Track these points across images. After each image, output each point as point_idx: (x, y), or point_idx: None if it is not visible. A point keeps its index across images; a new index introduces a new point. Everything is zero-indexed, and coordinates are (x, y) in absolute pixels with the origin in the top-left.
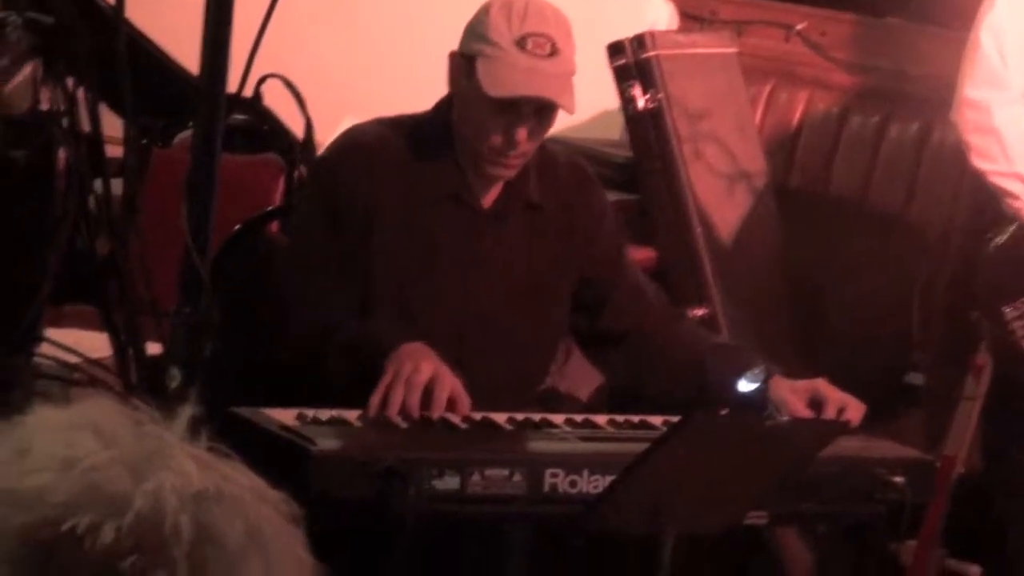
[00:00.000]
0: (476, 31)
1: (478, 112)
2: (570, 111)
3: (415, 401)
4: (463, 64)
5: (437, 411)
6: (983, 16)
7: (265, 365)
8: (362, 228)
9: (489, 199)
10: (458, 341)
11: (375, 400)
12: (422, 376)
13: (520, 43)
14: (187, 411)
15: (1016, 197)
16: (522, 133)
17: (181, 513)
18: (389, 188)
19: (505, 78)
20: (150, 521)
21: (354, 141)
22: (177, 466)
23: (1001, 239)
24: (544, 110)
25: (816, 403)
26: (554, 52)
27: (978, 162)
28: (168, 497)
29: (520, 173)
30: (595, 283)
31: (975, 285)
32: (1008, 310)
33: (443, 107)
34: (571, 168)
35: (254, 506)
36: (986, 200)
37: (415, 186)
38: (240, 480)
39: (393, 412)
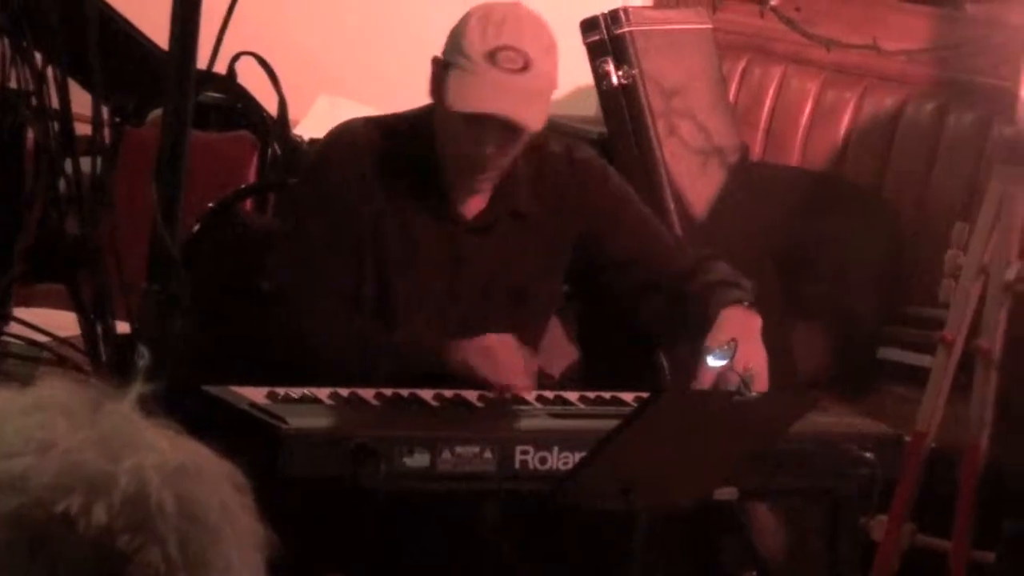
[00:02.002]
0: (454, 40)
1: (449, 123)
2: (532, 128)
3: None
4: (440, 72)
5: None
6: None
7: (236, 344)
8: (354, 229)
9: (474, 209)
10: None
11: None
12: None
13: (491, 57)
14: (137, 388)
15: None
16: (489, 148)
17: (164, 490)
18: (378, 192)
19: (470, 93)
20: (136, 499)
21: (349, 141)
22: (151, 444)
23: None
24: (514, 126)
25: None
26: (526, 67)
27: None
28: (149, 474)
29: (509, 182)
30: (607, 245)
31: None
32: None
33: (428, 112)
34: (569, 165)
35: (219, 481)
36: None
37: (400, 193)
38: (203, 453)
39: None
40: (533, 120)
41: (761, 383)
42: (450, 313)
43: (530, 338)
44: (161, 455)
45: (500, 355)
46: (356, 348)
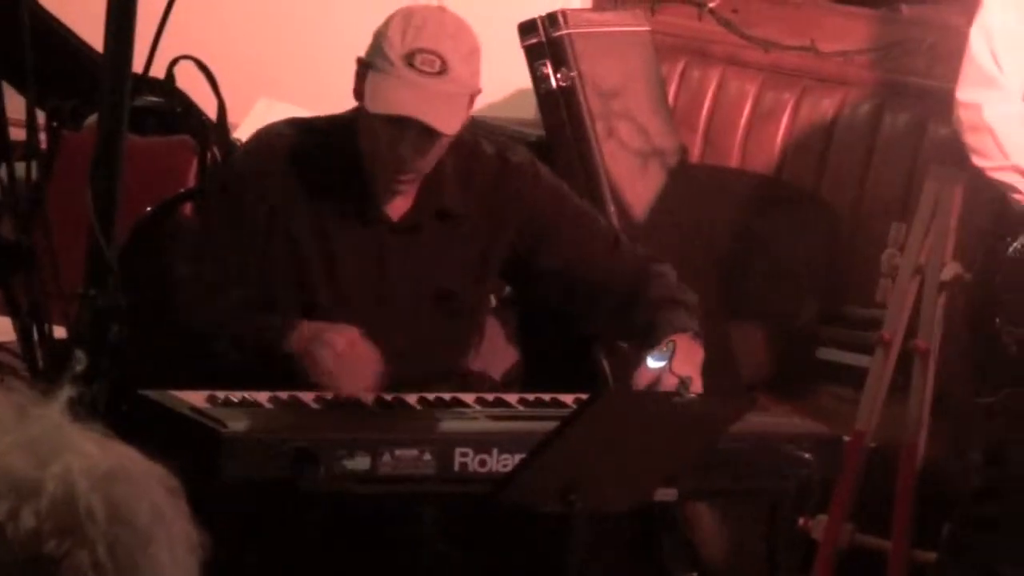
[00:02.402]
0: (376, 41)
1: (369, 124)
2: (447, 132)
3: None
4: (362, 72)
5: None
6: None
7: (174, 347)
8: (265, 235)
9: (399, 211)
10: None
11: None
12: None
13: (408, 59)
14: (67, 392)
15: (1018, 191)
16: (406, 150)
17: (92, 494)
18: (296, 198)
19: (385, 95)
20: (64, 504)
21: (266, 145)
22: (79, 448)
23: (1020, 243)
24: (431, 130)
25: None
26: (443, 70)
27: (977, 160)
28: (77, 479)
29: (434, 182)
30: (553, 255)
31: (996, 290)
32: None
33: (354, 114)
34: (499, 167)
35: (150, 485)
36: (1001, 205)
37: (323, 197)
38: (132, 456)
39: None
40: (447, 124)
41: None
42: (378, 315)
43: (462, 340)
44: (89, 459)
45: (345, 360)
46: (233, 337)
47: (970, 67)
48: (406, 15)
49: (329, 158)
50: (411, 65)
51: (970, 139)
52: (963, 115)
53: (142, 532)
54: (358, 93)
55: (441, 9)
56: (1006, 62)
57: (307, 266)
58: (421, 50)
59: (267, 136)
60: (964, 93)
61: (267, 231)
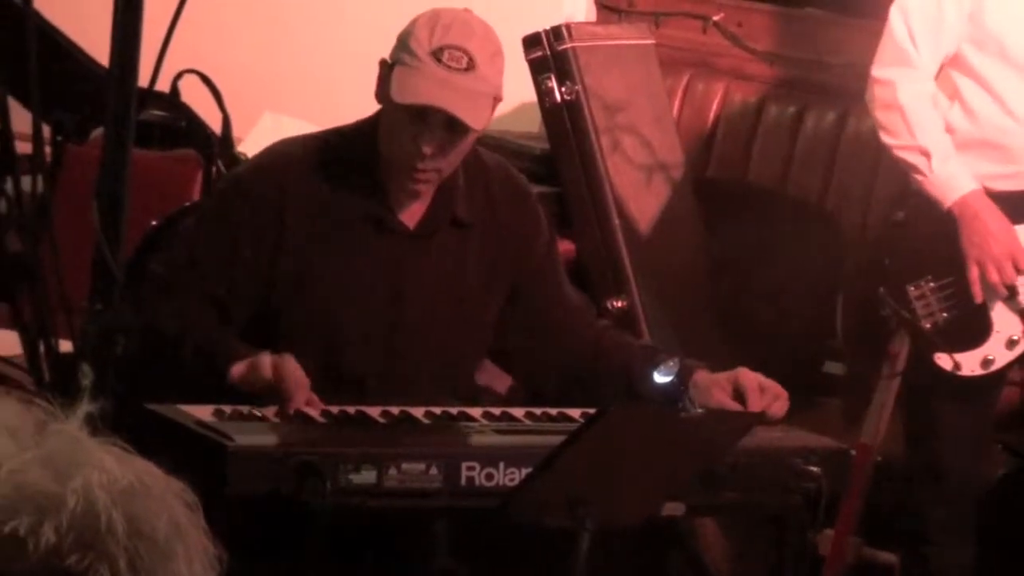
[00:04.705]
0: (402, 40)
1: (391, 121)
2: (473, 126)
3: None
4: (385, 72)
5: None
6: None
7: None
8: (266, 253)
9: (413, 218)
10: (383, 364)
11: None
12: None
13: (436, 54)
14: (85, 407)
15: (919, 171)
16: (428, 145)
17: (113, 509)
18: (303, 212)
19: (413, 86)
20: (85, 518)
21: (270, 162)
22: (98, 463)
23: (901, 214)
24: (455, 125)
25: (739, 394)
26: (470, 67)
27: (885, 138)
28: (98, 494)
29: (447, 190)
30: (527, 303)
31: (885, 264)
32: (911, 289)
33: (372, 120)
34: (504, 182)
35: (169, 500)
36: (902, 185)
37: (334, 209)
38: (152, 472)
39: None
40: (475, 119)
41: None
42: (393, 322)
43: (473, 351)
44: (109, 474)
45: (275, 358)
46: (191, 344)
47: (887, 44)
48: (433, 16)
49: (342, 168)
50: (439, 60)
51: (880, 116)
52: (877, 92)
53: (162, 547)
54: (380, 95)
55: (467, 11)
56: (922, 41)
57: (318, 283)
58: (449, 47)
59: (273, 155)
60: (880, 70)
61: (270, 254)
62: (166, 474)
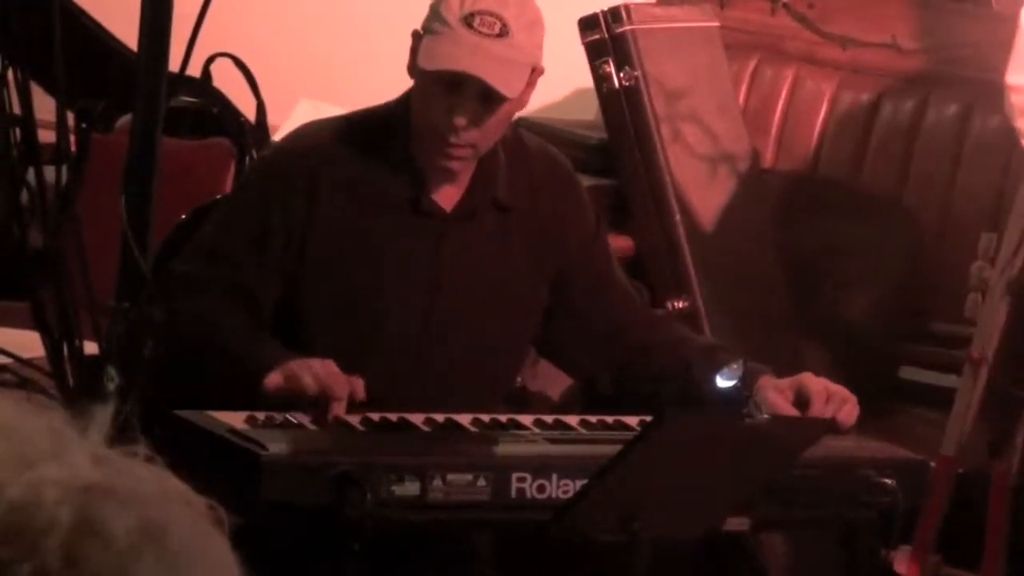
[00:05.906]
0: (433, 8)
1: (423, 94)
2: (506, 94)
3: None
4: (416, 43)
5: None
6: None
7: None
8: (296, 238)
9: (452, 200)
10: (418, 353)
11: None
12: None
13: (467, 20)
14: (104, 413)
15: None
16: (461, 117)
17: (61, 505)
18: (334, 194)
19: (442, 52)
20: (22, 512)
21: (300, 143)
22: (68, 459)
23: None
24: (490, 95)
25: (803, 400)
26: (503, 33)
27: None
28: (47, 488)
29: (488, 170)
30: (573, 292)
31: None
32: None
33: (404, 98)
34: (547, 165)
35: (158, 505)
36: None
37: (366, 191)
38: (144, 478)
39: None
40: (507, 86)
41: None
42: (429, 309)
43: (516, 345)
44: (72, 470)
45: (315, 364)
46: (220, 348)
47: (1020, 50)
48: None
49: (376, 150)
50: (470, 26)
51: (1022, 124)
52: (1015, 100)
53: (120, 548)
54: (412, 68)
55: None
56: None
57: (350, 271)
58: (481, 12)
59: (302, 137)
60: (1015, 76)
61: (299, 243)
62: (187, 488)
